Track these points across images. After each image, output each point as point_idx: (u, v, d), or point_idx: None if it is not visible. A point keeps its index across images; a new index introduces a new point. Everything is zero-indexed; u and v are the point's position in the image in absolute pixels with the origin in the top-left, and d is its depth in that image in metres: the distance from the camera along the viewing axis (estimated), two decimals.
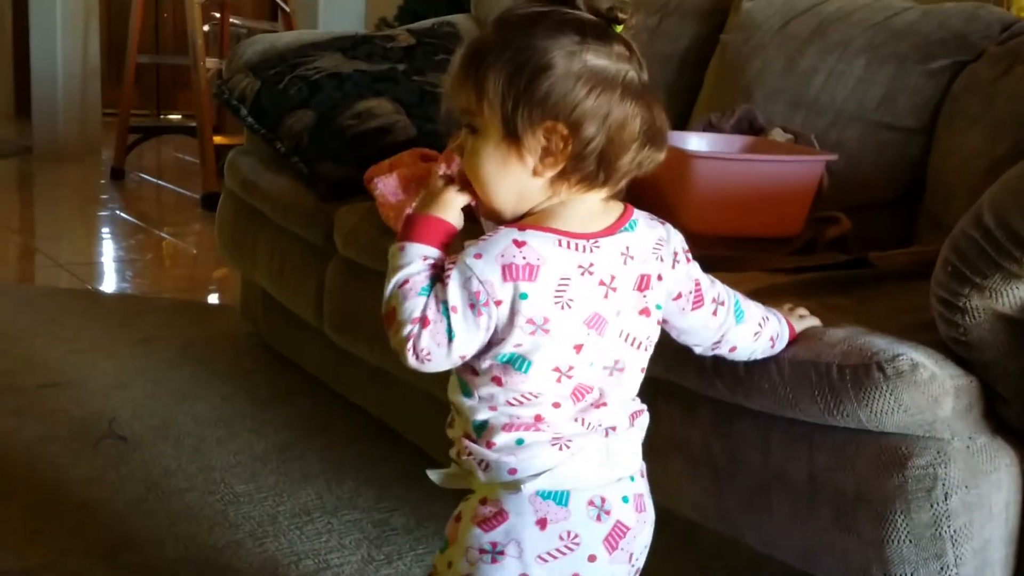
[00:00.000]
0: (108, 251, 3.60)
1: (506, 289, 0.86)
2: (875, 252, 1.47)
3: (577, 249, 0.89)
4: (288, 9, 4.47)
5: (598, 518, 0.91)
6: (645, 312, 0.94)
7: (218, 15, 5.13)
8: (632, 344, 0.93)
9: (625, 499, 0.93)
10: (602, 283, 0.90)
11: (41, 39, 4.88)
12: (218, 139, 4.22)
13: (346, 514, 1.64)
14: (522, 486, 0.89)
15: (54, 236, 3.73)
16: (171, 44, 6.21)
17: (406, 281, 0.88)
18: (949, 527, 1.02)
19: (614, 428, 0.93)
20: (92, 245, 3.70)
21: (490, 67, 0.89)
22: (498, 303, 0.86)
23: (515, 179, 0.90)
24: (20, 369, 2.19)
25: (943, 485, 1.02)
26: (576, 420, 0.91)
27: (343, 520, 1.62)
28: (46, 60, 4.88)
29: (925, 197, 1.71)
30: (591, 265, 0.89)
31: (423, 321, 0.87)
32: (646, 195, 1.79)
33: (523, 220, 0.91)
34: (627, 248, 0.92)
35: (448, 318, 0.86)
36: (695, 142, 1.80)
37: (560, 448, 0.90)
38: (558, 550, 0.90)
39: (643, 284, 0.93)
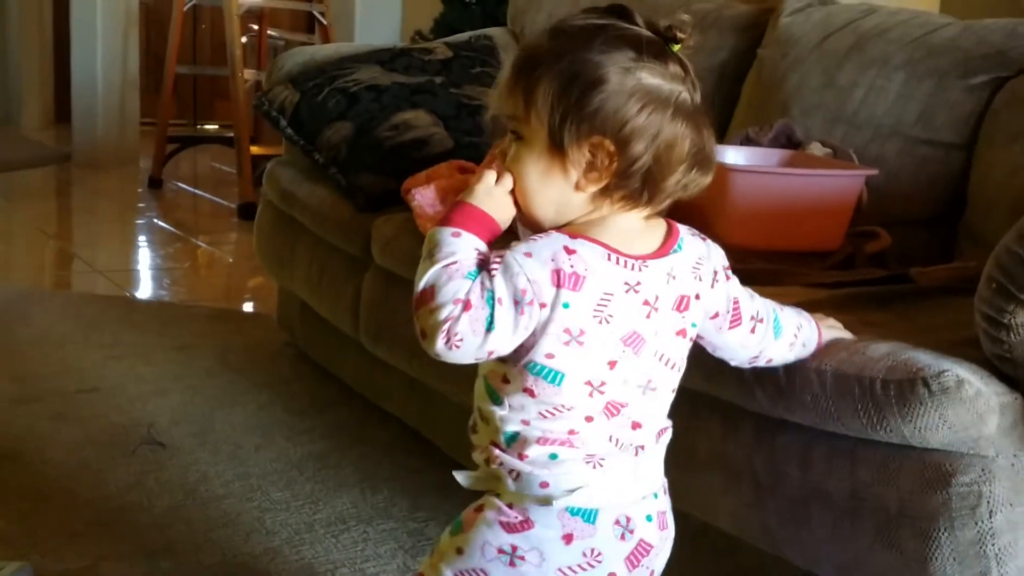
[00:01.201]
0: (145, 259, 3.65)
1: (552, 294, 0.85)
2: (915, 268, 1.46)
3: (625, 266, 0.88)
4: (325, 22, 4.52)
5: (622, 537, 0.91)
6: (682, 333, 0.94)
7: (256, 27, 5.19)
8: (666, 364, 0.93)
9: (649, 518, 0.93)
10: (646, 303, 0.90)
11: (82, 49, 4.96)
12: (254, 149, 4.26)
13: (381, 523, 1.65)
14: (554, 501, 0.89)
15: (92, 243, 3.78)
16: (209, 55, 6.30)
17: (454, 262, 0.86)
18: (994, 545, 1.01)
19: (643, 447, 0.93)
20: (129, 252, 3.75)
21: (542, 76, 0.88)
22: (543, 306, 0.85)
23: (556, 191, 0.89)
24: (59, 374, 2.22)
25: (988, 503, 1.01)
26: (610, 439, 0.91)
27: (378, 529, 1.63)
28: (86, 70, 4.96)
29: (965, 213, 1.70)
30: (638, 284, 0.89)
31: (465, 304, 0.84)
32: (684, 208, 1.79)
33: (570, 227, 0.90)
34: (672, 268, 0.92)
35: (492, 308, 0.84)
36: (733, 156, 1.80)
37: (594, 466, 0.90)
38: (579, 566, 0.90)
39: (682, 305, 0.92)
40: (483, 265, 0.87)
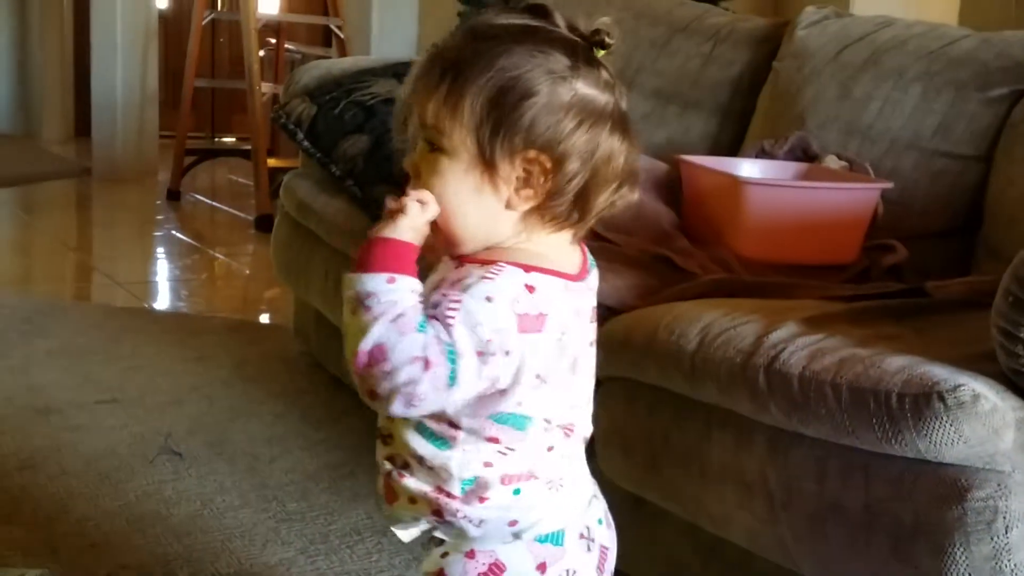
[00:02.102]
0: (163, 270, 3.67)
1: (519, 341, 0.78)
2: (932, 281, 1.46)
3: (575, 292, 0.84)
4: (342, 35, 4.55)
5: (588, 548, 0.89)
6: (594, 343, 0.91)
7: (273, 41, 5.23)
8: (588, 377, 0.90)
9: (600, 521, 0.91)
10: (580, 323, 0.86)
11: (101, 63, 5.01)
12: (272, 162, 4.29)
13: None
14: (522, 535, 0.86)
15: (111, 255, 3.81)
16: (227, 69, 6.35)
17: (400, 314, 0.76)
18: (1010, 561, 1.01)
19: (578, 454, 0.91)
20: (148, 264, 3.78)
21: (468, 84, 0.79)
22: (507, 353, 0.78)
23: (486, 209, 0.81)
24: (78, 385, 2.24)
25: (1004, 518, 1.01)
26: (564, 458, 0.88)
27: (393, 540, 1.63)
28: (106, 84, 5.01)
29: (983, 226, 1.69)
30: (580, 307, 0.85)
31: (425, 363, 0.76)
32: (698, 221, 1.80)
33: (514, 254, 0.82)
34: (592, 282, 0.89)
35: (454, 363, 0.76)
36: (748, 168, 1.80)
37: (555, 490, 0.87)
38: None
39: (593, 316, 0.90)
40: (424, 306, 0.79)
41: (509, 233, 0.83)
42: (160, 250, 3.94)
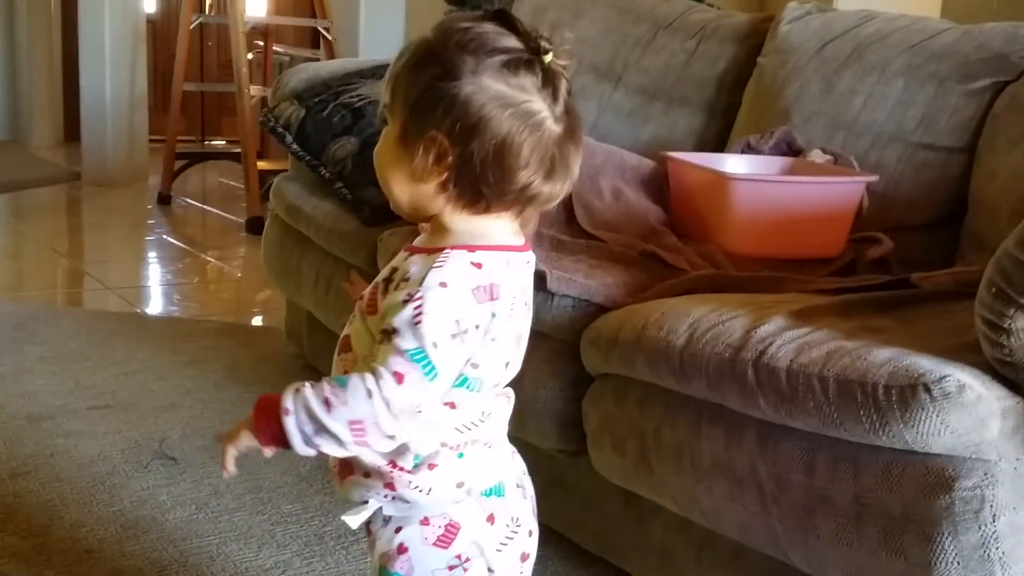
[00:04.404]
0: (155, 275, 3.67)
1: (481, 311, 0.87)
2: (917, 272, 1.47)
3: (516, 266, 0.92)
4: (330, 38, 4.55)
5: (524, 496, 0.99)
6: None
7: (261, 43, 5.22)
8: (521, 355, 0.97)
9: (525, 471, 1.01)
10: (526, 304, 0.94)
11: (90, 68, 4.99)
12: (261, 164, 4.28)
13: None
14: (468, 494, 0.94)
15: (102, 260, 3.80)
16: (215, 72, 6.33)
17: (321, 402, 0.87)
18: (998, 548, 1.02)
19: (506, 418, 0.99)
20: (140, 269, 3.77)
21: (411, 71, 0.91)
22: (477, 327, 0.87)
23: (403, 177, 0.91)
24: (71, 391, 2.24)
25: (991, 507, 1.02)
26: (499, 422, 0.97)
27: None
28: (95, 88, 4.99)
29: (967, 217, 1.71)
30: (524, 285, 0.93)
31: (396, 376, 0.84)
32: (686, 217, 1.81)
33: (450, 238, 0.91)
34: (531, 260, 0.95)
35: (426, 358, 0.84)
36: (734, 164, 1.81)
37: (492, 448, 0.96)
38: (507, 536, 0.96)
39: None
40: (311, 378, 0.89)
41: (435, 208, 0.91)
42: (151, 254, 3.93)
